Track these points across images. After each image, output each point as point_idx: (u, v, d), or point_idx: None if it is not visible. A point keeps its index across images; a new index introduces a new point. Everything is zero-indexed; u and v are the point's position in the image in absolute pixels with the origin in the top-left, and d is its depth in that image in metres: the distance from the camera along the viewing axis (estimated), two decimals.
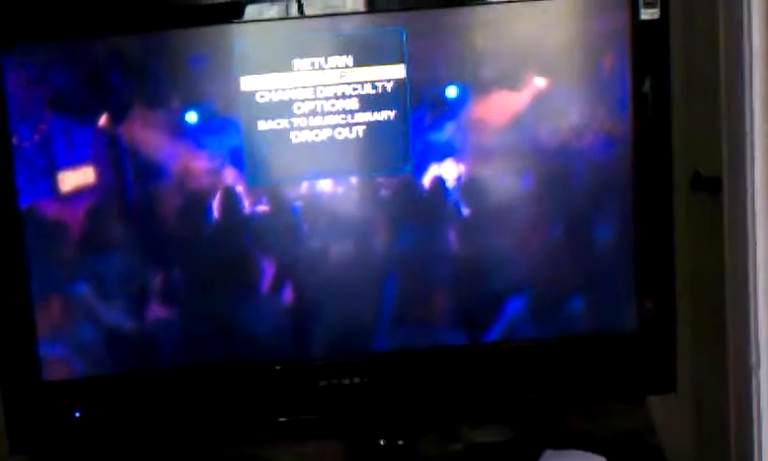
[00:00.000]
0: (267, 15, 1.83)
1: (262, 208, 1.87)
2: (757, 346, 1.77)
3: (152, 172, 1.87)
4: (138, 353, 1.91)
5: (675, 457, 1.93)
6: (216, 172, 1.86)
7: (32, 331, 1.88)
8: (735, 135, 1.78)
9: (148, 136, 1.86)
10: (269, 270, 1.89)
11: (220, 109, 1.86)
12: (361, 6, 1.83)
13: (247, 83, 1.84)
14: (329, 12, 1.83)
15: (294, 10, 1.83)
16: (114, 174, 1.87)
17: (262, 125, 1.85)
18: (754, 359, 1.77)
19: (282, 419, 1.92)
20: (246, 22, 1.83)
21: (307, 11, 1.83)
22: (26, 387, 1.89)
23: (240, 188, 1.86)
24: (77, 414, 1.89)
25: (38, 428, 1.90)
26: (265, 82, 1.84)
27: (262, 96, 1.84)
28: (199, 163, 1.86)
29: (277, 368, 1.90)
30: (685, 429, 2.20)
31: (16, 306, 1.87)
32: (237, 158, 1.86)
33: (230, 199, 1.86)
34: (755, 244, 1.75)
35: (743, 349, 1.80)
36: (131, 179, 1.87)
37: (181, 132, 1.86)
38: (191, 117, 1.86)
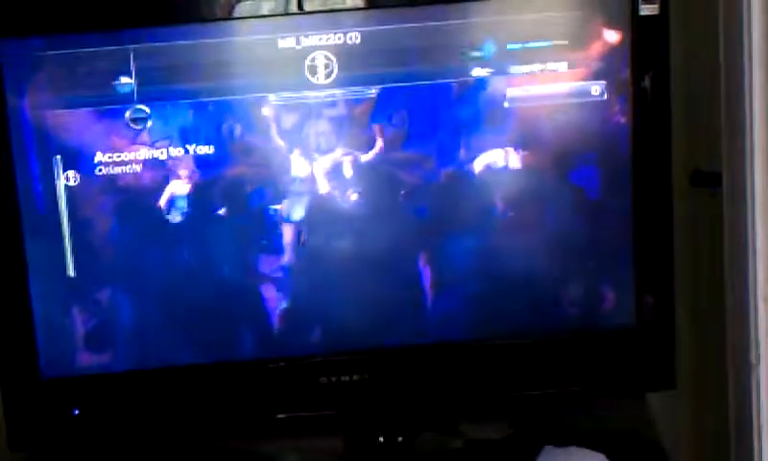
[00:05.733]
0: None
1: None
2: (757, 343, 1.76)
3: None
4: (137, 351, 1.90)
5: (674, 454, 1.93)
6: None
7: (31, 329, 1.87)
8: (735, 131, 1.78)
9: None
10: None
11: None
12: (360, 2, 1.82)
13: None
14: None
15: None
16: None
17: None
18: (753, 356, 1.77)
19: (282, 415, 1.92)
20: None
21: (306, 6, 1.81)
22: (25, 385, 1.88)
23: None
24: (76, 412, 1.89)
25: (38, 426, 1.90)
26: None
27: None
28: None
29: (278, 364, 1.90)
30: (685, 426, 2.20)
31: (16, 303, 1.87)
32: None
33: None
34: (754, 240, 1.75)
35: (743, 346, 1.80)
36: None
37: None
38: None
